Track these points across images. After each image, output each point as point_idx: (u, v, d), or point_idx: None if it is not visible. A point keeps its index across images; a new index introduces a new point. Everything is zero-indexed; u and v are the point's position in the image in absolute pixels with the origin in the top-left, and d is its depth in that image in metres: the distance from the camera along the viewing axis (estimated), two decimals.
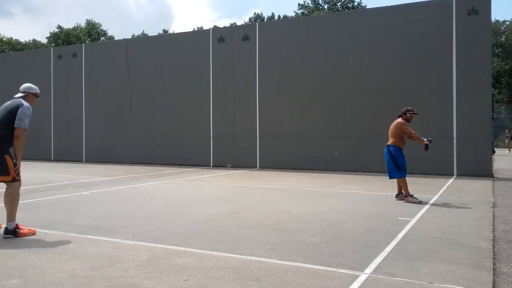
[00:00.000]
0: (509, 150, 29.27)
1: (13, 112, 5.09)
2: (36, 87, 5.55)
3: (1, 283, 3.46)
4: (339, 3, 48.98)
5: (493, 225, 5.67)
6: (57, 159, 19.22)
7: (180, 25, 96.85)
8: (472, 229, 5.45)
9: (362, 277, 3.60)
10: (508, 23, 46.54)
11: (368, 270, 3.77)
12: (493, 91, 16.67)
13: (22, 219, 5.93)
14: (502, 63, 43.58)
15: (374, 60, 13.60)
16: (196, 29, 50.24)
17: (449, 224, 5.74)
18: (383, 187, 9.75)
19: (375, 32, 13.62)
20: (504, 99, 43.67)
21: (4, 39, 51.01)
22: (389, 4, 15.39)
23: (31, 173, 13.25)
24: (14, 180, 5.10)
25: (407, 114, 8.05)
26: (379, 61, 13.53)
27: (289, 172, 13.55)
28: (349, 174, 12.70)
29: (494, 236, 5.08)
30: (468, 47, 12.47)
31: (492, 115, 13.84)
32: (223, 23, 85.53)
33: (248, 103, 15.35)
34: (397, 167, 7.73)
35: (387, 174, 7.99)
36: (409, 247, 4.56)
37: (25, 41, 53.28)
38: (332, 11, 44.64)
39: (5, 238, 4.99)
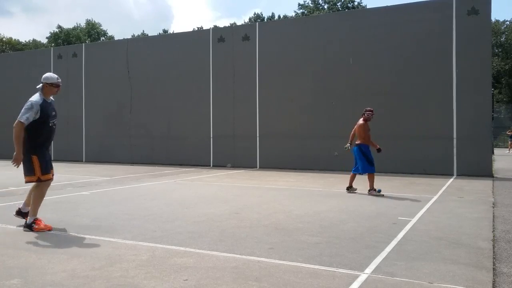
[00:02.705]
0: (509, 150, 29.24)
1: None
2: (52, 76, 5.38)
3: (1, 283, 3.46)
4: (339, 3, 48.99)
5: (493, 225, 5.67)
6: (57, 159, 19.21)
7: (180, 25, 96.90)
8: (472, 229, 5.45)
9: (362, 277, 3.60)
10: (508, 23, 46.60)
11: (368, 270, 3.77)
12: (493, 91, 16.66)
13: (22, 219, 5.93)
14: (502, 63, 43.60)
15: (374, 60, 13.60)
16: (196, 29, 50.25)
17: (449, 224, 5.74)
18: (383, 187, 9.73)
19: (375, 32, 13.61)
20: (504, 99, 43.69)
21: (4, 39, 51.02)
22: (389, 4, 15.40)
23: None
24: (39, 180, 5.23)
25: (365, 114, 8.81)
26: (379, 61, 13.53)
27: (289, 172, 13.55)
28: (349, 174, 12.66)
29: (494, 236, 5.08)
30: (468, 47, 12.46)
31: (492, 115, 13.84)
32: (223, 23, 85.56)
33: (248, 103, 15.34)
34: (369, 162, 8.54)
35: (354, 170, 8.87)
36: (409, 247, 4.56)
37: (25, 41, 53.31)
38: (332, 11, 44.64)
39: (24, 231, 5.25)
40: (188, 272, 3.73)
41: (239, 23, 53.25)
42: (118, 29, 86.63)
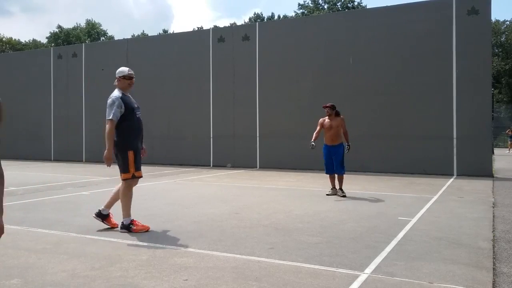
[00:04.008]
0: (509, 150, 29.23)
1: None
2: (124, 69, 5.40)
3: (1, 283, 3.46)
4: (339, 3, 49.01)
5: (493, 225, 5.67)
6: (57, 159, 19.22)
7: (180, 24, 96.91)
8: (472, 229, 5.45)
9: (362, 277, 3.60)
10: (508, 23, 46.62)
11: (368, 270, 3.77)
12: (493, 91, 16.66)
13: (22, 219, 5.95)
14: (502, 63, 43.62)
15: (374, 60, 13.60)
16: (196, 29, 50.27)
17: (449, 224, 5.73)
18: (383, 187, 9.75)
19: (375, 32, 13.61)
20: (504, 99, 43.71)
21: (4, 39, 51.04)
22: (389, 4, 15.40)
23: (31, 173, 13.25)
24: (133, 176, 5.27)
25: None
26: (379, 61, 13.52)
27: (289, 172, 13.54)
28: (349, 174, 12.66)
29: (494, 236, 5.08)
30: (468, 47, 12.46)
31: (492, 115, 13.83)
32: (223, 22, 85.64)
33: (248, 103, 15.34)
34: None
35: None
36: (409, 247, 4.55)
37: (25, 41, 53.33)
38: (332, 11, 44.64)
39: (120, 232, 5.20)
40: (188, 272, 3.73)
41: (239, 23, 53.28)
42: (118, 29, 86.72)
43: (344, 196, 8.20)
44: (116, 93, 5.25)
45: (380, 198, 8.15)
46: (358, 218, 6.16)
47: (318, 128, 8.67)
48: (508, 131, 30.39)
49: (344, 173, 8.55)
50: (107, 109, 5.13)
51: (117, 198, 5.42)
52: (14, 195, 8.34)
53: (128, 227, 5.21)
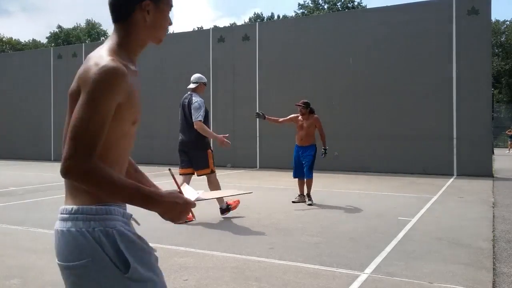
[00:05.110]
0: (509, 150, 29.23)
1: (190, 109, 5.89)
2: (203, 76, 6.22)
3: (1, 283, 3.46)
4: (339, 3, 49.00)
5: (493, 225, 5.67)
6: (57, 159, 19.21)
7: (180, 24, 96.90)
8: (472, 229, 5.45)
9: (362, 277, 3.60)
10: (508, 23, 46.60)
11: (368, 270, 3.77)
12: (493, 91, 16.68)
13: (22, 219, 5.95)
14: (502, 63, 43.60)
15: (374, 60, 13.59)
16: (196, 28, 50.26)
17: (449, 224, 5.73)
18: (383, 187, 9.75)
19: (375, 32, 13.61)
20: (504, 99, 43.69)
21: (4, 39, 51.06)
22: (389, 4, 15.40)
23: (31, 173, 13.24)
24: (212, 172, 6.05)
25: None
26: (379, 61, 13.52)
27: (289, 172, 13.50)
28: (349, 174, 12.68)
29: (494, 236, 5.08)
30: (468, 47, 12.46)
31: (492, 115, 13.83)
32: (223, 22, 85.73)
33: (248, 103, 15.33)
34: None
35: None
36: (409, 247, 4.55)
37: (25, 41, 53.34)
38: (332, 11, 44.64)
39: (223, 216, 6.03)
40: (188, 272, 3.73)
41: (239, 23, 53.31)
42: None
43: (311, 204, 7.23)
44: (199, 97, 5.93)
45: (380, 198, 8.15)
46: (358, 218, 6.16)
47: (286, 118, 7.94)
48: (508, 131, 30.38)
49: (312, 178, 7.66)
50: (194, 112, 5.78)
51: (218, 188, 6.09)
52: (14, 195, 8.33)
53: (228, 209, 6.13)
